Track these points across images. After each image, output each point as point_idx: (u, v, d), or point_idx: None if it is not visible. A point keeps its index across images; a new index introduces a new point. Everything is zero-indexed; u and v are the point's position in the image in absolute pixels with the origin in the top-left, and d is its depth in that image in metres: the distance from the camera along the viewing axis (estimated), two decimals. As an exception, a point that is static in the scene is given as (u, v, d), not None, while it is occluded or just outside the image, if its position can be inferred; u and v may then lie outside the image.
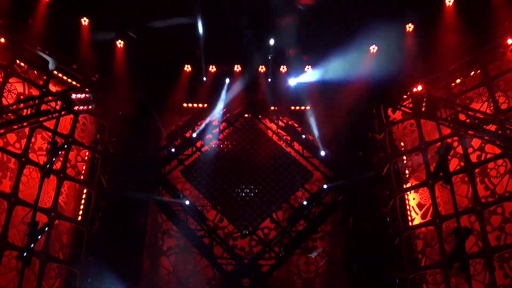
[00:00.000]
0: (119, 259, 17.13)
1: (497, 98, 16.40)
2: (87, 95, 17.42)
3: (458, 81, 17.77)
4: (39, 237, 14.40)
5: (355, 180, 18.81)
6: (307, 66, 19.47)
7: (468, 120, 16.59)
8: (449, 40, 16.60)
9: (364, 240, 17.86)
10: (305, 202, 19.62)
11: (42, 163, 16.43)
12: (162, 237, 19.94)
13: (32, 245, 14.04)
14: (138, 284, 17.85)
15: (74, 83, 18.41)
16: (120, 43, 18.22)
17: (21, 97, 17.04)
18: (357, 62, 18.15)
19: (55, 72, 17.89)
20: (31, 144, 16.63)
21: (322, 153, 19.94)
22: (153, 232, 19.91)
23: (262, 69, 19.64)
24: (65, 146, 16.62)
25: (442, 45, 16.84)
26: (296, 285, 19.16)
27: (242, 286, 18.53)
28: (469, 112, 16.65)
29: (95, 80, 18.46)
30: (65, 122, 18.05)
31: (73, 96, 17.36)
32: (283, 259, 18.89)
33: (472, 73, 17.39)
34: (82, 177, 18.80)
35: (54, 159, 15.37)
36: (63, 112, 17.39)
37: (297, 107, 21.03)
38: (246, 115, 21.52)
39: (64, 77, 18.28)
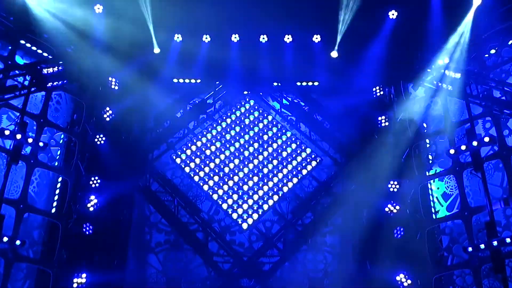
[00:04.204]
0: (100, 257, 16.60)
1: (539, 71, 16.22)
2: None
3: (492, 51, 17.25)
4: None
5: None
6: (315, 36, 18.30)
7: (503, 97, 16.04)
8: (482, 3, 15.93)
9: (379, 236, 16.88)
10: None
11: (8, 147, 15.45)
12: (150, 232, 19.29)
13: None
14: (122, 285, 16.97)
15: (45, 54, 17.53)
16: (99, 8, 17.11)
17: (-18, 71, 16.64)
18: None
19: (23, 42, 17.11)
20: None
21: None
22: (140, 226, 19.17)
23: (263, 39, 18.43)
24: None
25: (473, 10, 15.87)
26: (302, 286, 18.32)
27: (241, 287, 18.21)
28: (505, 88, 16.06)
29: (71, 52, 17.40)
30: (36, 100, 17.25)
31: (45, 70, 16.56)
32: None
33: (510, 42, 16.89)
34: (56, 163, 17.98)
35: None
36: (33, 89, 16.40)
37: (304, 83, 20.13)
38: (245, 92, 20.73)
39: (34, 48, 17.42)
